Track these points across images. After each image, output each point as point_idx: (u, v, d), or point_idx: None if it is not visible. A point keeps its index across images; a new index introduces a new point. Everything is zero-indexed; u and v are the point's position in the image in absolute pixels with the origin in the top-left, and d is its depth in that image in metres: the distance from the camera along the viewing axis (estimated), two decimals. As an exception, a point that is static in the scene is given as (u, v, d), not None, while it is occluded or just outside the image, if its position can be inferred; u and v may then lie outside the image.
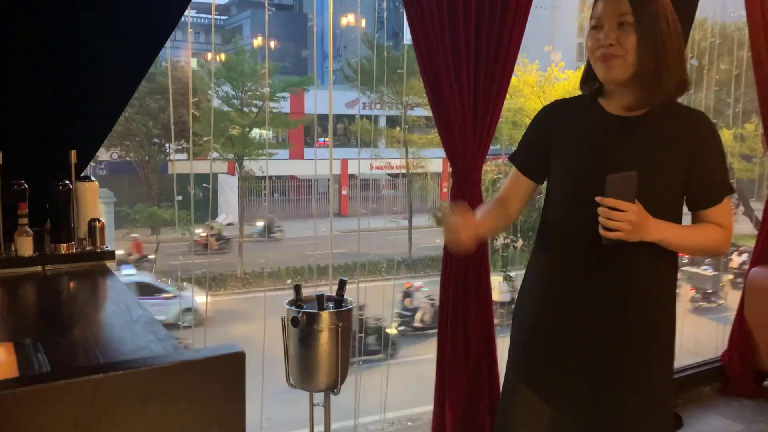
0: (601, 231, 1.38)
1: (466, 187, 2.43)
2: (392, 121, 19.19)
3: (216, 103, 14.49)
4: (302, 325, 2.12)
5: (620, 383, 1.49)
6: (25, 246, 1.65)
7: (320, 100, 17.35)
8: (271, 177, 17.59)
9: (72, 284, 1.62)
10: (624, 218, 1.35)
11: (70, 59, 1.78)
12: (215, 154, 15.91)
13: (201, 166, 15.88)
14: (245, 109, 15.08)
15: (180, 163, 14.37)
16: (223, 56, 16.11)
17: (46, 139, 1.78)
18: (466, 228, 1.46)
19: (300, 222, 19.12)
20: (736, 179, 11.58)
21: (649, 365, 1.51)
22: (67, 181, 1.71)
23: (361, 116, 18.57)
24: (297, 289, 2.26)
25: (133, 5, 1.82)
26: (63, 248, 1.70)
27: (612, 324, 1.49)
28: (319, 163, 19.10)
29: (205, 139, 13.13)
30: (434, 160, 16.10)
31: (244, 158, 15.13)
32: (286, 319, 2.18)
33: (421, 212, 16.19)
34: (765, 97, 3.30)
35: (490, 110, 2.45)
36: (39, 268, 1.66)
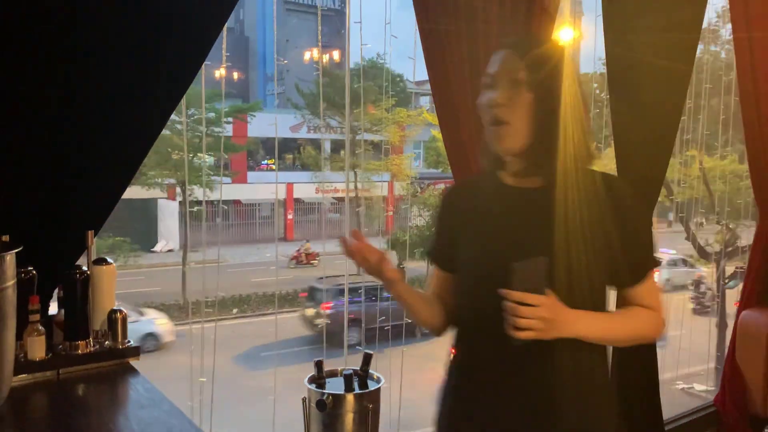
0: (510, 330, 1.16)
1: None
2: (337, 146, 19.07)
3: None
4: (329, 409, 1.93)
5: None
6: (37, 348, 1.40)
7: (264, 124, 17.08)
8: (213, 202, 17.15)
9: (98, 396, 1.38)
10: (535, 314, 1.15)
11: (74, 131, 1.55)
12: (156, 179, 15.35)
13: (138, 191, 15.29)
14: (189, 134, 14.66)
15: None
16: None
17: (49, 218, 1.54)
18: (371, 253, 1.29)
19: (244, 247, 18.66)
20: (675, 202, 11.99)
21: None
22: (84, 267, 1.48)
23: (307, 140, 18.40)
24: (318, 365, 2.06)
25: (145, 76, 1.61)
26: (80, 347, 1.46)
27: None
28: (263, 187, 18.75)
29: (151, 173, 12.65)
30: (379, 184, 16.09)
31: (188, 185, 14.66)
32: (308, 401, 1.99)
33: (369, 236, 16.09)
34: (751, 135, 3.34)
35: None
36: (52, 373, 1.42)
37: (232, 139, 17.50)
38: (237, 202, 19.62)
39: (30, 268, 1.43)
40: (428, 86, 2.32)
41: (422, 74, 2.55)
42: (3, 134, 1.46)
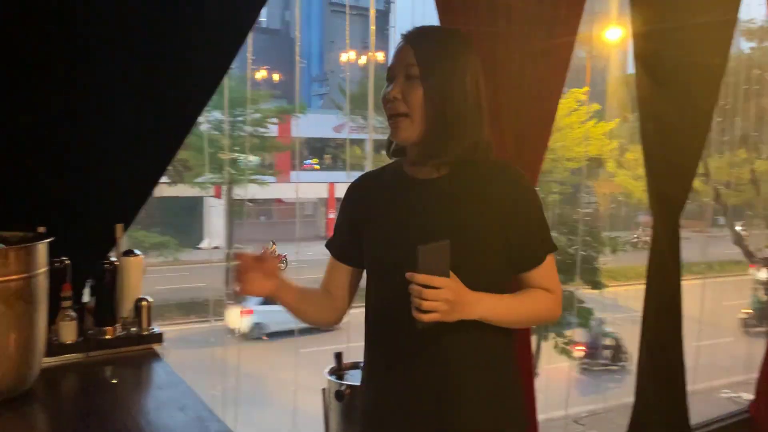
0: (415, 313, 1.16)
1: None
2: (378, 146, 19.15)
3: (204, 127, 14.36)
4: (346, 400, 1.99)
5: None
6: (68, 332, 1.51)
7: (307, 124, 17.29)
8: (257, 200, 17.39)
9: (122, 377, 1.48)
10: (439, 296, 1.15)
11: (106, 132, 1.66)
12: (203, 178, 15.72)
13: (184, 190, 15.65)
14: (235, 134, 14.97)
15: (162, 187, 14.11)
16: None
17: (84, 212, 1.65)
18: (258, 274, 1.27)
19: (285, 246, 18.85)
20: (723, 205, 11.68)
21: None
22: (113, 258, 1.58)
23: (349, 140, 18.55)
24: (338, 357, 2.14)
25: (172, 77, 1.71)
26: (108, 332, 1.56)
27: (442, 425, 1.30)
28: (305, 187, 18.95)
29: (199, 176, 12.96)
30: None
31: (231, 184, 14.96)
32: (327, 392, 2.05)
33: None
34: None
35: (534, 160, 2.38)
36: (82, 356, 1.53)
37: (276, 139, 17.78)
38: (279, 200, 19.90)
39: (64, 258, 1.54)
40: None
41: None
42: (48, 141, 1.58)
